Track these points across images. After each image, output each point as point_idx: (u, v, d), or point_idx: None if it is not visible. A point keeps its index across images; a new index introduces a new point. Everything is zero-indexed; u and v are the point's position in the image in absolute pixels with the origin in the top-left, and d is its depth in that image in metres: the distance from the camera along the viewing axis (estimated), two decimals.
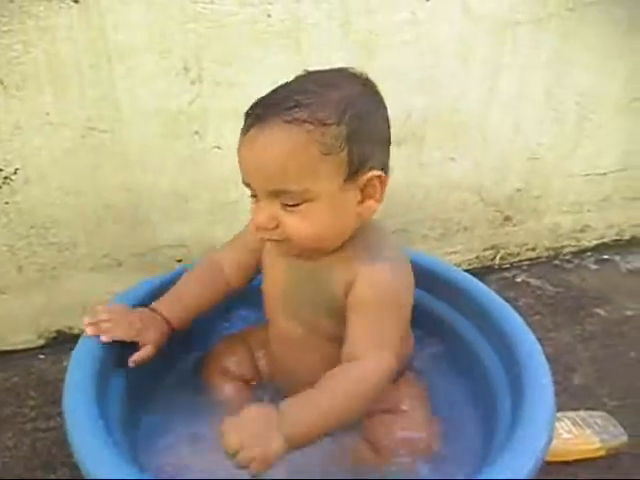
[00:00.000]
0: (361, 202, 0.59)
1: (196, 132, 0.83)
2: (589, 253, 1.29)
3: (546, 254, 1.26)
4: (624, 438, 0.75)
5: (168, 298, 0.69)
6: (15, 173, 0.79)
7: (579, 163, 1.16)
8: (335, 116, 0.55)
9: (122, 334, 0.62)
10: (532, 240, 1.23)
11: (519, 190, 1.14)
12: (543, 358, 0.63)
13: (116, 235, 0.88)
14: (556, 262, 1.26)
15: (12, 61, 0.72)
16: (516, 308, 1.07)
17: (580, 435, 0.74)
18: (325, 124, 0.54)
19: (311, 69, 0.61)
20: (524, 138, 1.08)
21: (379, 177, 0.58)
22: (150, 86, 0.79)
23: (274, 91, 0.58)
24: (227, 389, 0.72)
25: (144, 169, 0.84)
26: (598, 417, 0.78)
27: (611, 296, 1.13)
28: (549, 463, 0.72)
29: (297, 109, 0.54)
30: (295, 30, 0.82)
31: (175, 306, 0.68)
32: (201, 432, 0.66)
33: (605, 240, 1.30)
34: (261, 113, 0.56)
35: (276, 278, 0.68)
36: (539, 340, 0.97)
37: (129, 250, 0.89)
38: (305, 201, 0.56)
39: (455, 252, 1.17)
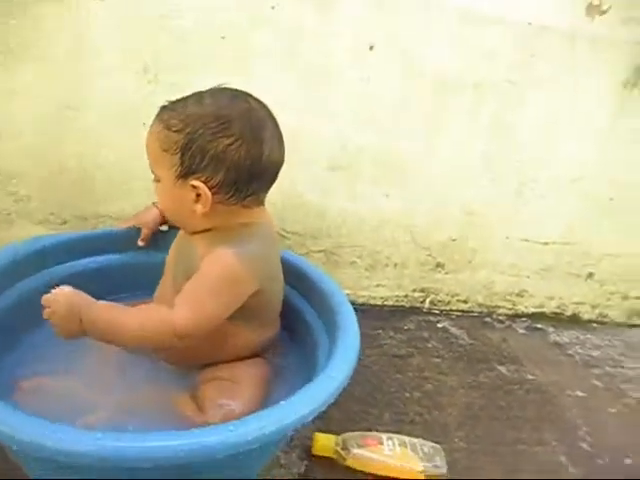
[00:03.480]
0: (195, 202, 0.71)
1: (144, 123, 0.96)
2: (524, 319, 1.32)
3: (479, 310, 1.30)
4: (444, 471, 0.79)
5: None
6: None
7: (518, 227, 1.21)
8: (180, 126, 0.69)
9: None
10: (464, 292, 1.28)
11: (454, 240, 1.21)
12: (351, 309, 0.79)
13: (66, 197, 1.02)
14: (487, 319, 1.29)
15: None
16: (422, 348, 1.13)
17: (402, 456, 0.79)
18: (169, 129, 0.69)
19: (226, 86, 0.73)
20: (460, 193, 1.15)
21: (198, 188, 0.69)
22: (114, 79, 0.94)
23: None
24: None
25: (99, 146, 0.99)
26: (430, 447, 0.82)
27: (522, 359, 1.15)
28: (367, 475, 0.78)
29: (166, 111, 0.71)
30: (244, 51, 0.95)
31: None
32: (68, 366, 0.77)
33: (544, 310, 1.33)
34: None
35: (175, 243, 0.82)
36: (425, 379, 1.02)
37: (74, 212, 1.02)
38: (158, 180, 0.73)
39: (383, 285, 1.23)
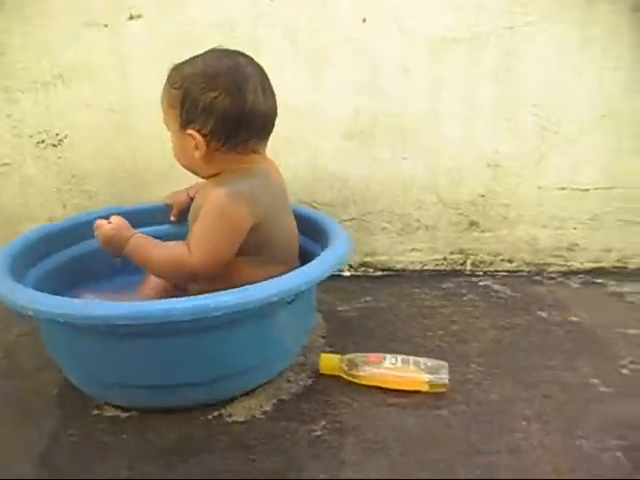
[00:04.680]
0: (195, 149, 0.84)
1: None
2: (581, 275, 1.25)
3: (527, 269, 1.27)
4: (447, 382, 0.80)
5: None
6: (65, 137, 1.18)
7: (549, 176, 1.19)
8: (179, 83, 0.82)
9: None
10: (507, 251, 1.26)
11: (483, 196, 1.21)
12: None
13: (125, 188, 1.21)
14: (537, 277, 1.25)
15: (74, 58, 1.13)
16: (456, 301, 1.12)
17: (403, 369, 0.81)
18: (172, 87, 0.83)
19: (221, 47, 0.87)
20: (478, 147, 1.17)
21: (192, 136, 0.82)
22: (148, 85, 1.13)
23: None
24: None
25: (144, 142, 1.18)
26: (435, 363, 0.83)
27: (569, 305, 1.10)
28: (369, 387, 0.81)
29: (171, 72, 0.85)
30: (253, 44, 1.10)
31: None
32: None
33: (603, 265, 1.25)
34: None
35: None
36: (454, 322, 1.03)
37: (133, 200, 1.20)
38: (169, 130, 0.87)
39: (418, 249, 1.26)
